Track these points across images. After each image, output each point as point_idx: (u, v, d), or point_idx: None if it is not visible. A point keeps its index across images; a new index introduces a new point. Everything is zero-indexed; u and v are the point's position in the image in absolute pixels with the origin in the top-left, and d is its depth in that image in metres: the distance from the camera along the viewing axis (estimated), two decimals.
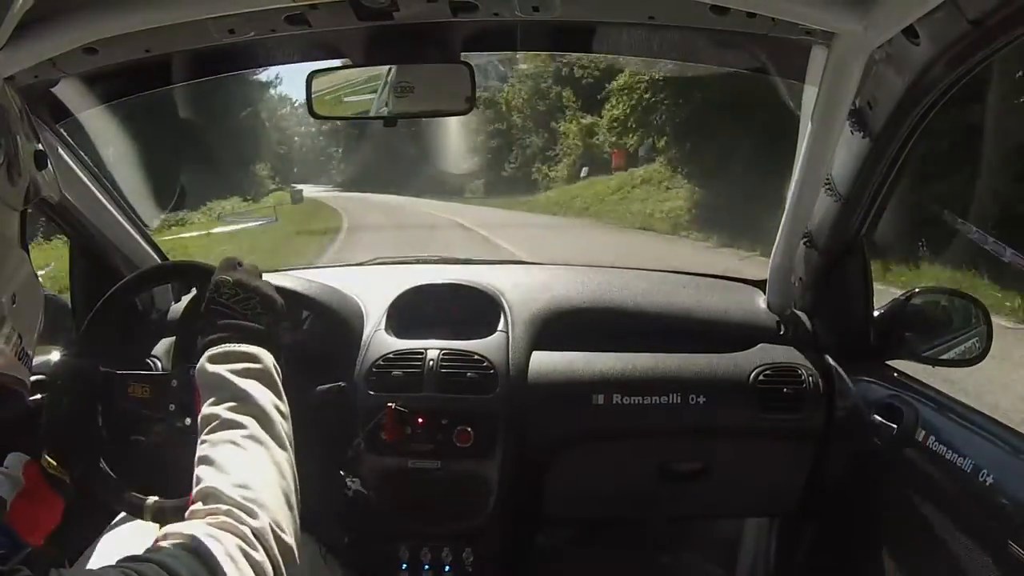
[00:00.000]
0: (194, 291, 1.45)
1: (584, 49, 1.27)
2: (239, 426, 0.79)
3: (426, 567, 1.37)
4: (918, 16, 0.84)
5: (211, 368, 0.85)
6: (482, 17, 1.06)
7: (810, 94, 1.10)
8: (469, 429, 1.30)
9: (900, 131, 1.04)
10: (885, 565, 1.21)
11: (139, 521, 1.13)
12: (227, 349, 0.87)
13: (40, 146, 0.74)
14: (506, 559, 1.43)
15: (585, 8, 1.08)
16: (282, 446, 0.81)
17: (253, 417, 0.81)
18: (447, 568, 1.37)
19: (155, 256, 1.55)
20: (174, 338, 1.42)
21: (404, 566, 1.38)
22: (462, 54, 1.14)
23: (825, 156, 1.13)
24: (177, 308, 1.55)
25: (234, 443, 0.78)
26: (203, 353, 0.88)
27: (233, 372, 0.84)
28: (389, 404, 1.31)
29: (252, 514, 0.70)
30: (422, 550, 1.37)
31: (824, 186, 1.18)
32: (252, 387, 0.83)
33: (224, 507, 0.70)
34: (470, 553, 1.37)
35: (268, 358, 0.88)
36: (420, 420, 1.31)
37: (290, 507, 0.76)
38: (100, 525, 1.19)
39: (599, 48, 1.27)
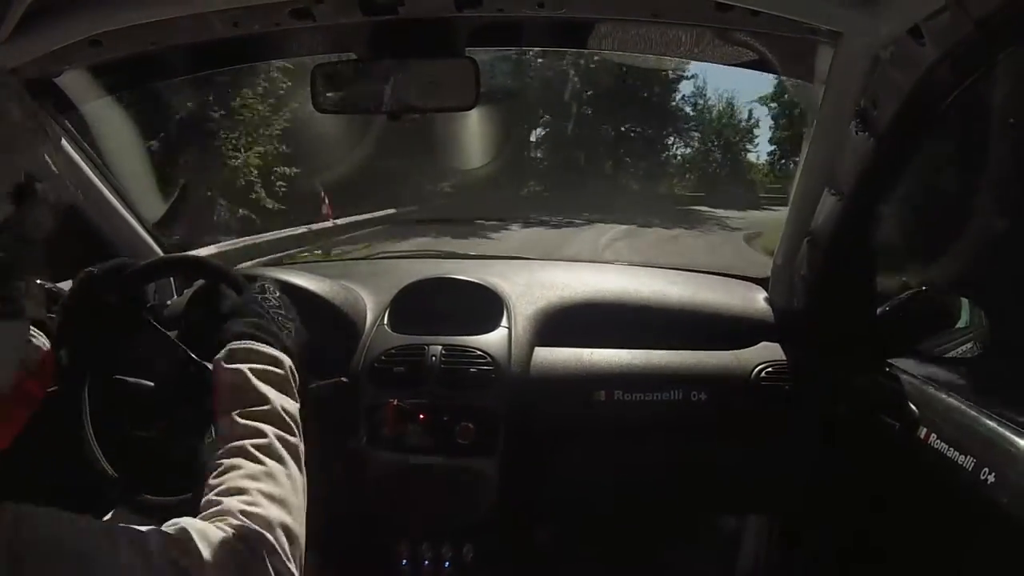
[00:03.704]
0: (196, 285, 1.45)
1: (588, 46, 1.27)
2: (258, 434, 0.77)
3: (426, 563, 1.38)
4: (924, 16, 0.84)
5: (232, 366, 0.83)
6: (487, 13, 1.06)
7: (816, 93, 1.10)
8: (470, 425, 1.31)
9: (905, 131, 1.04)
10: (886, 563, 1.22)
11: (124, 514, 1.13)
12: (251, 347, 0.85)
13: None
14: (506, 555, 1.43)
15: (590, 5, 1.08)
16: (298, 461, 0.79)
17: (273, 427, 0.79)
18: (447, 564, 1.37)
19: (157, 249, 1.55)
20: (175, 332, 1.43)
21: (404, 562, 1.38)
22: (467, 49, 1.14)
23: (829, 155, 1.13)
24: (179, 302, 1.55)
25: (251, 455, 0.76)
26: (225, 346, 0.86)
27: (255, 373, 0.83)
28: (390, 400, 1.31)
29: (260, 534, 0.68)
30: (422, 546, 1.38)
31: (829, 185, 1.18)
32: (273, 394, 0.82)
33: (235, 522, 0.68)
34: (470, 549, 1.37)
35: (289, 364, 0.87)
36: (421, 416, 1.32)
37: (298, 528, 0.73)
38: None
39: (603, 45, 1.27)
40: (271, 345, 0.87)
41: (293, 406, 0.83)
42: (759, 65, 1.21)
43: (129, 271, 1.23)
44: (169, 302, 1.59)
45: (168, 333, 1.43)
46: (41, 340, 1.04)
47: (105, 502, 1.15)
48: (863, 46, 0.94)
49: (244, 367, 0.83)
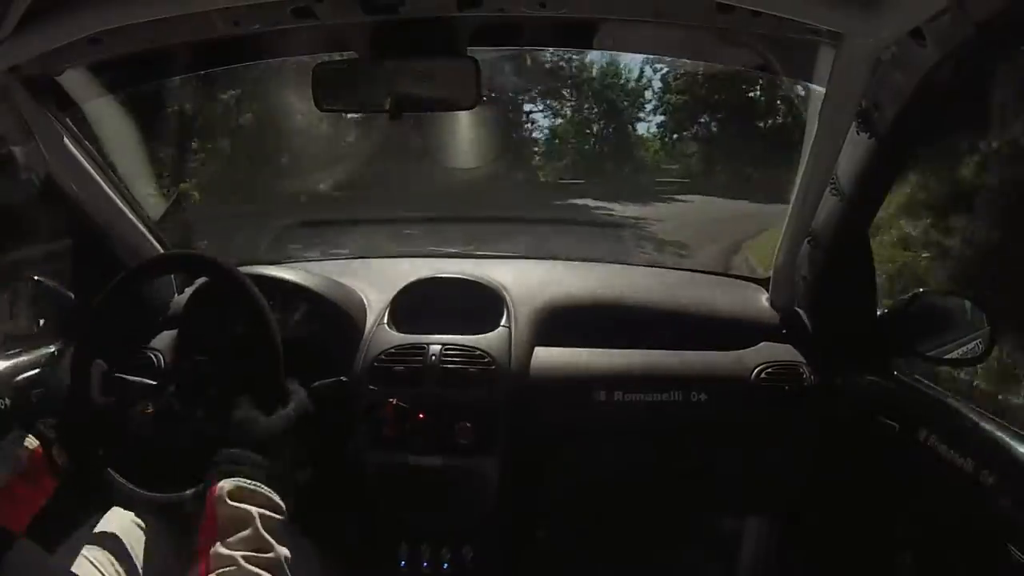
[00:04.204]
0: (198, 283, 1.45)
1: (590, 46, 1.27)
2: None
3: (425, 563, 1.38)
4: (925, 18, 0.83)
5: (238, 504, 0.82)
6: (488, 12, 1.06)
7: (816, 94, 1.10)
8: (470, 424, 1.30)
9: (906, 132, 1.04)
10: (886, 564, 1.22)
11: (119, 517, 1.13)
12: (256, 488, 0.85)
13: None
14: (506, 556, 1.43)
15: (591, 4, 1.08)
16: None
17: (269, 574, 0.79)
18: (446, 564, 1.37)
19: (158, 246, 1.55)
20: (176, 330, 1.43)
21: (403, 563, 1.38)
22: (468, 49, 1.14)
23: (831, 156, 1.12)
24: (180, 300, 1.55)
25: None
26: (225, 472, 0.86)
27: (261, 519, 0.82)
28: (390, 399, 1.31)
29: None
30: (422, 546, 1.38)
31: (829, 186, 1.18)
32: (275, 543, 0.81)
33: None
34: (470, 549, 1.37)
35: (285, 512, 0.87)
36: (421, 415, 1.32)
37: None
38: (86, 514, 1.19)
39: (605, 45, 1.27)
40: (274, 488, 0.86)
41: (287, 555, 0.83)
42: (760, 66, 1.21)
43: (133, 268, 1.24)
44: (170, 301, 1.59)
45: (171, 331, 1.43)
46: (30, 441, 1.05)
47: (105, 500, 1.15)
48: (864, 47, 0.93)
49: (252, 509, 0.82)
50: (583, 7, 1.08)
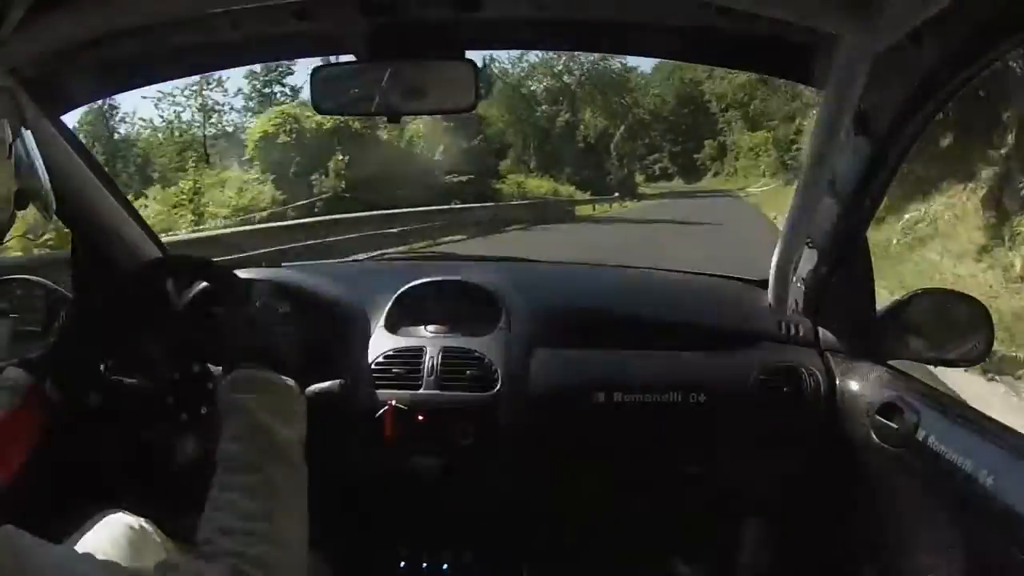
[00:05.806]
0: (197, 286, 1.45)
1: (588, 48, 1.28)
2: (256, 470, 0.76)
3: (424, 565, 1.37)
4: (923, 19, 0.84)
5: (238, 395, 0.82)
6: (487, 14, 1.07)
7: (815, 97, 1.10)
8: (469, 427, 1.30)
9: (904, 134, 1.04)
10: (886, 565, 1.21)
11: (116, 520, 1.13)
12: (256, 374, 0.85)
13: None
14: (505, 558, 1.43)
15: (589, 6, 1.08)
16: (299, 494, 0.78)
17: (274, 462, 0.77)
18: (446, 567, 1.37)
19: (156, 249, 1.55)
20: (175, 334, 1.42)
21: (402, 564, 1.38)
22: (466, 52, 1.14)
23: (829, 158, 1.13)
24: (178, 304, 1.55)
25: (249, 490, 0.74)
26: (229, 368, 0.86)
27: (261, 404, 0.81)
28: (389, 402, 1.31)
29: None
30: (421, 549, 1.37)
31: (828, 187, 1.18)
32: (277, 426, 0.80)
33: (230, 560, 0.67)
34: (469, 552, 1.37)
35: (296, 392, 0.86)
36: (420, 418, 1.31)
37: (295, 565, 0.73)
38: (76, 520, 1.18)
39: (603, 47, 1.28)
40: (277, 370, 0.86)
41: (298, 436, 0.82)
42: (758, 69, 1.21)
43: (131, 271, 1.24)
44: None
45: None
46: (20, 373, 1.05)
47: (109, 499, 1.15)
48: (862, 50, 0.94)
49: (250, 398, 0.81)
50: (581, 9, 1.08)
